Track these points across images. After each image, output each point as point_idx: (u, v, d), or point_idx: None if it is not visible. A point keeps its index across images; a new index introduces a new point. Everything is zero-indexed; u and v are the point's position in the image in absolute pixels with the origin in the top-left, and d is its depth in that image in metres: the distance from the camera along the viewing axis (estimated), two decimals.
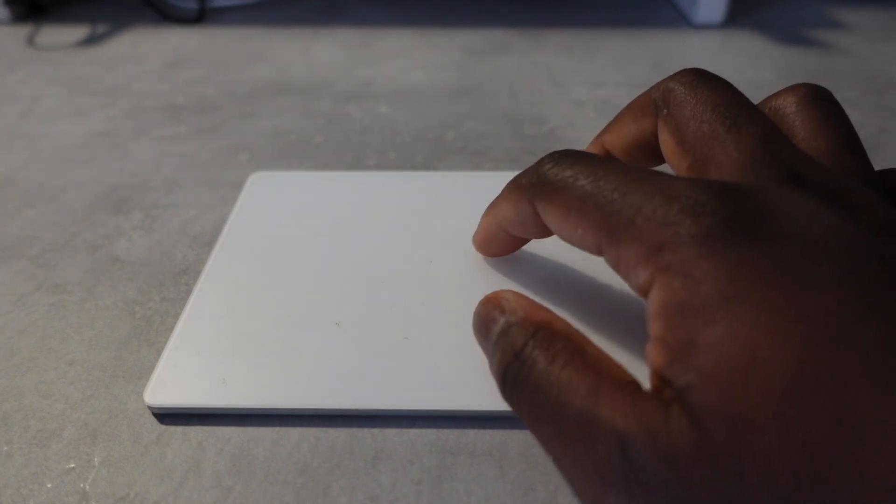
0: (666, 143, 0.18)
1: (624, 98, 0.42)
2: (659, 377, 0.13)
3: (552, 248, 0.26)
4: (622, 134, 0.20)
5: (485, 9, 0.58)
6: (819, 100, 0.17)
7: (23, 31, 0.54)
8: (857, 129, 0.38)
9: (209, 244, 0.28)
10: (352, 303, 0.24)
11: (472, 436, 0.20)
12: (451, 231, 0.27)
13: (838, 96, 0.41)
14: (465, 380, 0.21)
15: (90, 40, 0.52)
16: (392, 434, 0.20)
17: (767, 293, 0.11)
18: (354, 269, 0.25)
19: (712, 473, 0.11)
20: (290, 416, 0.21)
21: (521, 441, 0.20)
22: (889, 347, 0.11)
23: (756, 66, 0.46)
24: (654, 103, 0.18)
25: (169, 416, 0.21)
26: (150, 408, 0.21)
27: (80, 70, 0.47)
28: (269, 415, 0.21)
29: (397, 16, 0.57)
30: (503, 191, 0.19)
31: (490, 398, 0.20)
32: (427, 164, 0.34)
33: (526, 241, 0.23)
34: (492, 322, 0.17)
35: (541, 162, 0.17)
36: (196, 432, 0.20)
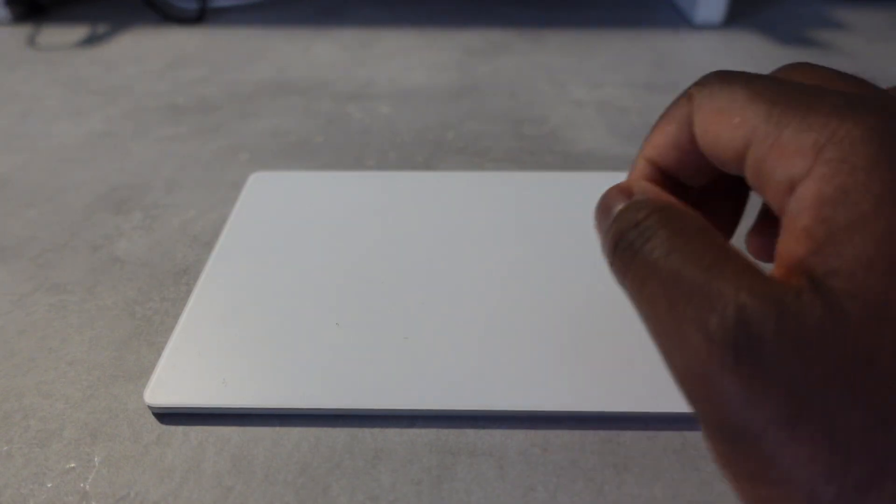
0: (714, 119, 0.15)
1: (624, 98, 0.42)
2: (790, 268, 0.12)
3: (556, 249, 0.26)
4: (660, 142, 0.17)
5: (485, 9, 0.58)
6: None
7: (23, 31, 0.54)
8: None
9: (209, 244, 0.28)
10: (352, 303, 0.24)
11: (472, 436, 0.20)
12: (451, 231, 0.27)
13: None
14: (465, 380, 0.21)
15: (90, 40, 0.52)
16: (392, 434, 0.20)
17: None
18: (354, 269, 0.25)
19: (840, 355, 0.11)
20: (290, 416, 0.21)
21: (521, 441, 0.20)
22: None
23: (756, 66, 0.46)
24: (687, 97, 0.16)
25: (169, 416, 0.21)
26: (150, 408, 0.21)
27: (80, 70, 0.47)
28: (269, 415, 0.21)
29: (397, 16, 0.57)
30: (657, 121, 0.17)
31: (490, 398, 0.20)
32: (427, 164, 0.34)
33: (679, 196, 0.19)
34: (616, 201, 0.16)
35: (700, 78, 0.15)
36: (196, 432, 0.20)
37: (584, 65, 0.47)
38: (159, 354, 0.22)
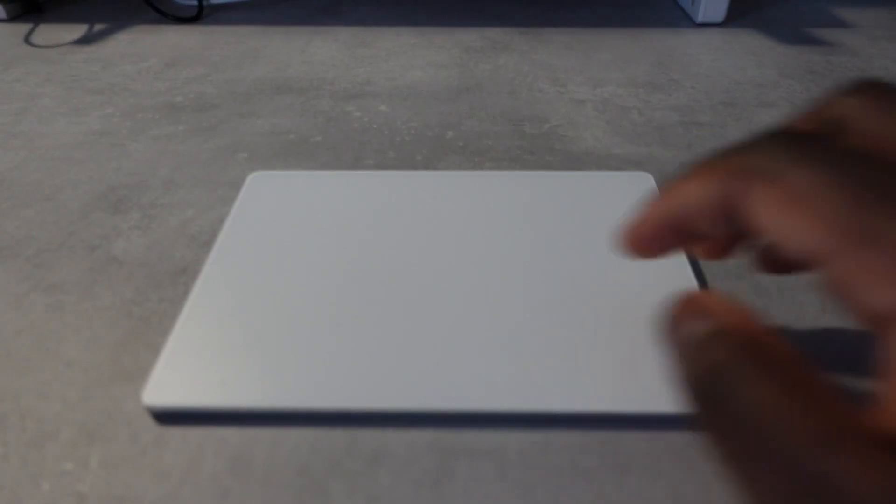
0: None
1: (626, 97, 0.41)
2: None
3: (556, 249, 0.26)
4: (691, 199, 0.15)
5: (485, 8, 0.58)
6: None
7: (20, 29, 0.54)
8: None
9: (207, 244, 0.28)
10: (351, 303, 0.23)
11: (472, 436, 0.20)
12: (451, 230, 0.27)
13: None
14: (465, 380, 0.20)
15: (88, 39, 0.52)
16: (392, 434, 0.20)
17: None
18: (353, 269, 0.25)
19: None
20: (289, 417, 0.20)
21: (521, 441, 0.20)
22: None
23: (758, 65, 0.45)
24: (742, 173, 0.14)
25: (167, 417, 0.21)
26: (148, 408, 0.20)
27: (77, 69, 0.47)
28: (268, 415, 0.20)
29: (397, 15, 0.57)
30: (692, 172, 0.15)
31: (490, 398, 0.20)
32: (427, 164, 0.34)
33: (691, 243, 0.18)
34: (689, 325, 0.13)
35: (755, 142, 0.13)
36: (194, 433, 0.20)
37: (585, 63, 0.47)
38: (157, 355, 0.22)
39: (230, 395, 0.20)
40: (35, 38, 0.52)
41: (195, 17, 0.55)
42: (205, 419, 0.20)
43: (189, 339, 0.22)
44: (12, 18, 0.56)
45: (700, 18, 0.53)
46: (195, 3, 0.57)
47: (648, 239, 0.17)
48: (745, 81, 0.43)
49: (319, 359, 0.21)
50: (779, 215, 0.12)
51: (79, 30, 0.54)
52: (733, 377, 0.11)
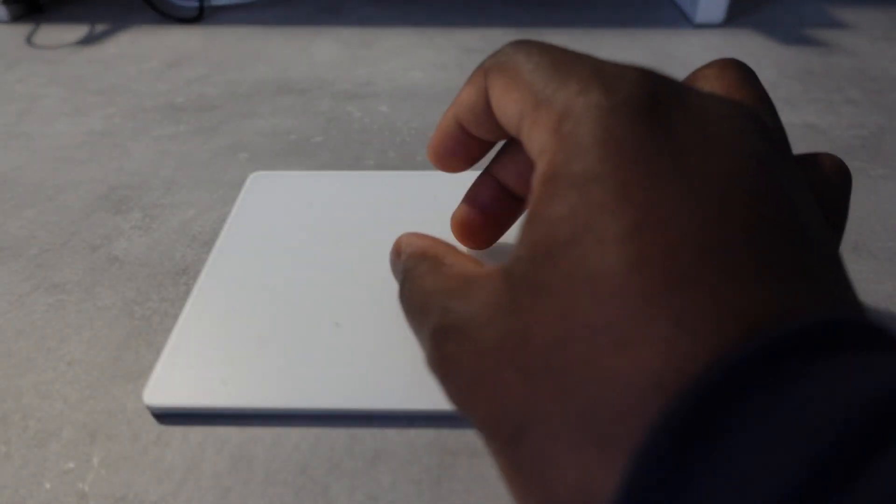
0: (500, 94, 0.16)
1: None
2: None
3: None
4: (463, 105, 0.18)
5: (485, 8, 0.58)
6: (739, 67, 0.17)
7: (21, 30, 0.54)
8: (858, 128, 0.38)
9: (208, 244, 0.28)
10: (351, 303, 0.24)
11: (472, 436, 0.20)
12: (450, 231, 0.27)
13: (840, 95, 0.41)
14: None
15: (89, 39, 0.52)
16: (392, 434, 0.20)
17: (628, 175, 0.11)
18: (354, 269, 0.25)
19: (503, 326, 0.12)
20: (289, 416, 0.20)
21: None
22: (691, 279, 0.10)
23: (757, 66, 0.45)
24: (484, 70, 0.17)
25: (168, 417, 0.21)
26: (149, 408, 0.21)
27: (78, 69, 0.47)
28: (269, 415, 0.20)
29: (397, 15, 0.57)
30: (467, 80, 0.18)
31: None
32: (427, 164, 0.34)
33: (480, 151, 0.20)
34: (397, 258, 0.19)
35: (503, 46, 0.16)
36: (195, 432, 0.20)
37: None
38: (158, 354, 0.22)
39: (231, 395, 0.20)
40: (37, 39, 0.52)
41: (196, 17, 0.56)
42: (205, 418, 0.20)
43: (190, 339, 0.22)
44: (14, 19, 0.56)
45: (699, 19, 0.53)
46: (196, 3, 0.57)
47: (443, 148, 0.20)
48: None
49: (320, 359, 0.21)
50: (501, 96, 0.15)
51: (80, 31, 0.54)
52: (406, 275, 0.17)
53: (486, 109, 0.17)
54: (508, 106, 0.15)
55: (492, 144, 0.19)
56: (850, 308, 0.11)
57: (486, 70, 0.16)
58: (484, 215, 0.21)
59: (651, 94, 0.12)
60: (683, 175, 0.11)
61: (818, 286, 0.11)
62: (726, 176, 0.11)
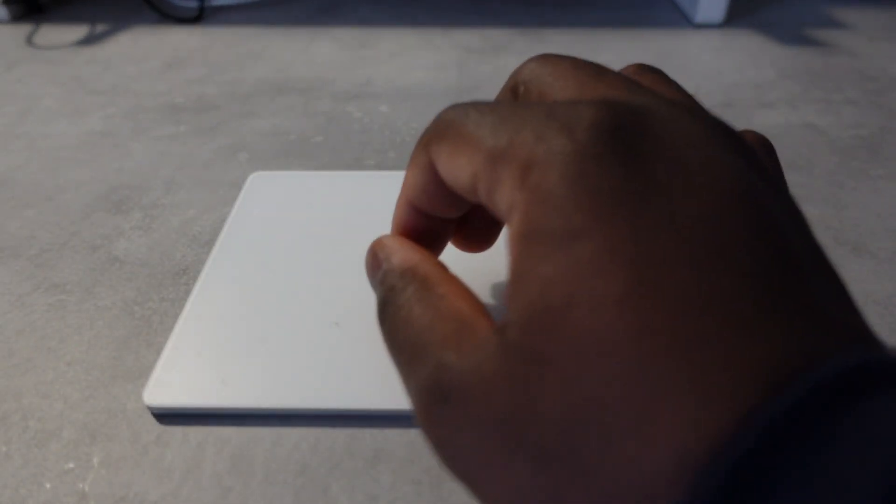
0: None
1: None
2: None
3: None
4: (412, 187, 0.17)
5: (485, 9, 0.58)
6: (653, 69, 0.17)
7: (22, 30, 0.54)
8: (857, 128, 0.38)
9: (208, 244, 0.28)
10: (351, 303, 0.24)
11: None
12: None
13: (839, 95, 0.41)
14: None
15: (89, 40, 0.52)
16: (392, 434, 0.20)
17: (614, 229, 0.11)
18: (353, 269, 0.25)
19: (506, 399, 0.11)
20: (289, 417, 0.20)
21: None
22: (697, 338, 0.10)
23: (757, 66, 0.46)
24: (423, 145, 0.16)
25: (168, 417, 0.21)
26: (149, 408, 0.21)
27: (79, 70, 0.47)
28: (269, 415, 0.20)
29: (396, 15, 0.57)
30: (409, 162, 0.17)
31: None
32: None
33: (447, 231, 0.20)
34: (376, 267, 0.17)
35: (440, 112, 0.15)
36: (195, 432, 0.20)
37: None
38: (158, 354, 0.22)
39: (231, 395, 0.20)
40: (37, 40, 0.52)
41: (196, 17, 0.56)
42: (205, 419, 0.20)
43: (190, 339, 0.22)
44: (14, 19, 0.56)
45: (699, 19, 0.53)
46: (196, 3, 0.57)
47: (409, 233, 0.19)
48: (744, 82, 0.43)
49: (320, 359, 0.21)
50: (448, 162, 0.14)
51: (80, 31, 0.54)
52: (389, 298, 0.15)
53: (437, 183, 0.16)
54: (459, 170, 0.14)
55: (454, 222, 0.19)
56: (861, 336, 0.11)
57: (425, 144, 0.15)
58: (449, 235, 0.20)
59: (614, 129, 0.12)
60: (672, 221, 0.11)
61: (828, 320, 0.10)
62: (716, 212, 0.11)
